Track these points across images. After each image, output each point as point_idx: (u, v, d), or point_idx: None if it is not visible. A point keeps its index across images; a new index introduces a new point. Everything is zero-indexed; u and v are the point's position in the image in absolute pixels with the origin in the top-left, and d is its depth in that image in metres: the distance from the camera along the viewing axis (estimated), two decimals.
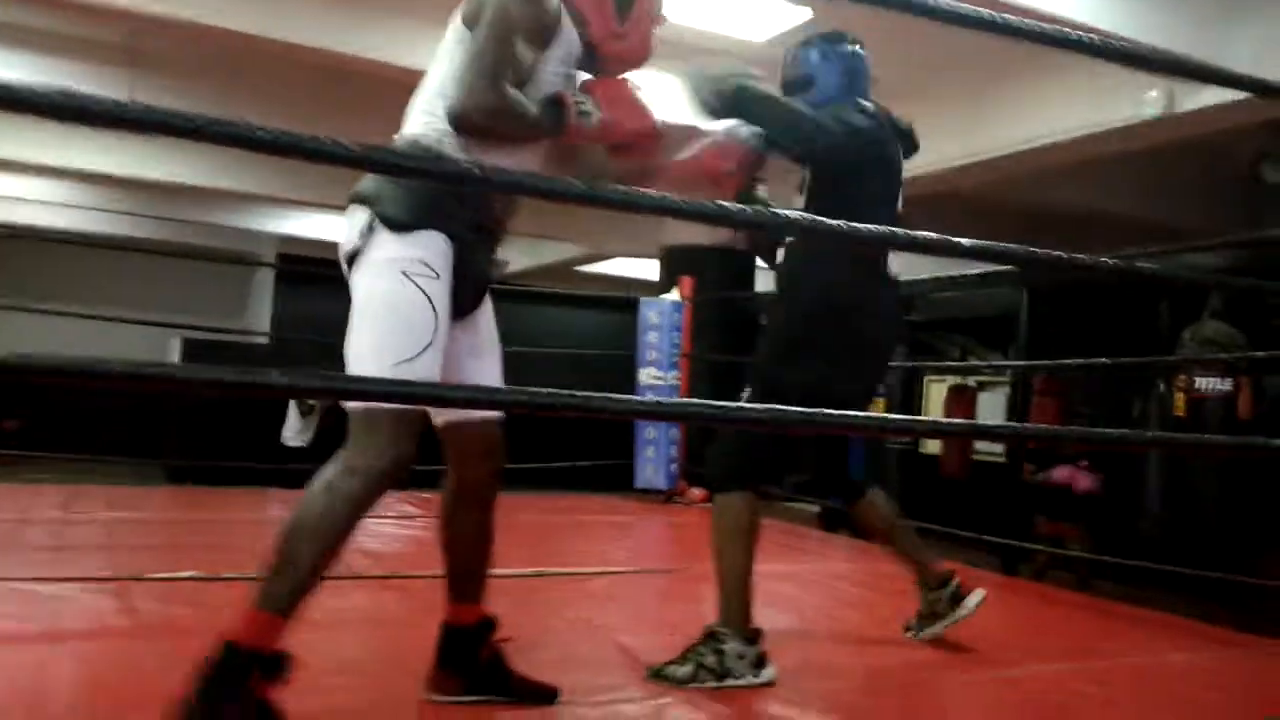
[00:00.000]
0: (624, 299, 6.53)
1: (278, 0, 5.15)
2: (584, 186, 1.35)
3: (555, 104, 1.88)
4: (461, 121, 1.79)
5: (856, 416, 1.56)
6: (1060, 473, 6.05)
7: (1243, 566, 4.20)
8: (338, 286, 1.88)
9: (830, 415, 1.49)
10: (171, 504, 4.94)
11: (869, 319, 2.49)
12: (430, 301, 1.77)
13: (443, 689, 1.98)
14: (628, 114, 1.93)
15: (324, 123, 5.62)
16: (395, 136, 1.92)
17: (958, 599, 2.71)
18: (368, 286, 1.78)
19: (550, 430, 5.67)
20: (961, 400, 9.27)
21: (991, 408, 9.36)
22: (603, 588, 3.41)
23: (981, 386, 9.67)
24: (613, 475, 5.96)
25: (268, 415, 9.11)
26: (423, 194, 1.79)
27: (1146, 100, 4.73)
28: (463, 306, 1.89)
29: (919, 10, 1.59)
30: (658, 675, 2.29)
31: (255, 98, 6.80)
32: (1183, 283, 2.43)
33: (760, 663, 2.32)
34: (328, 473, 1.73)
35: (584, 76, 2.00)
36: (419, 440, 1.79)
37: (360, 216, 1.81)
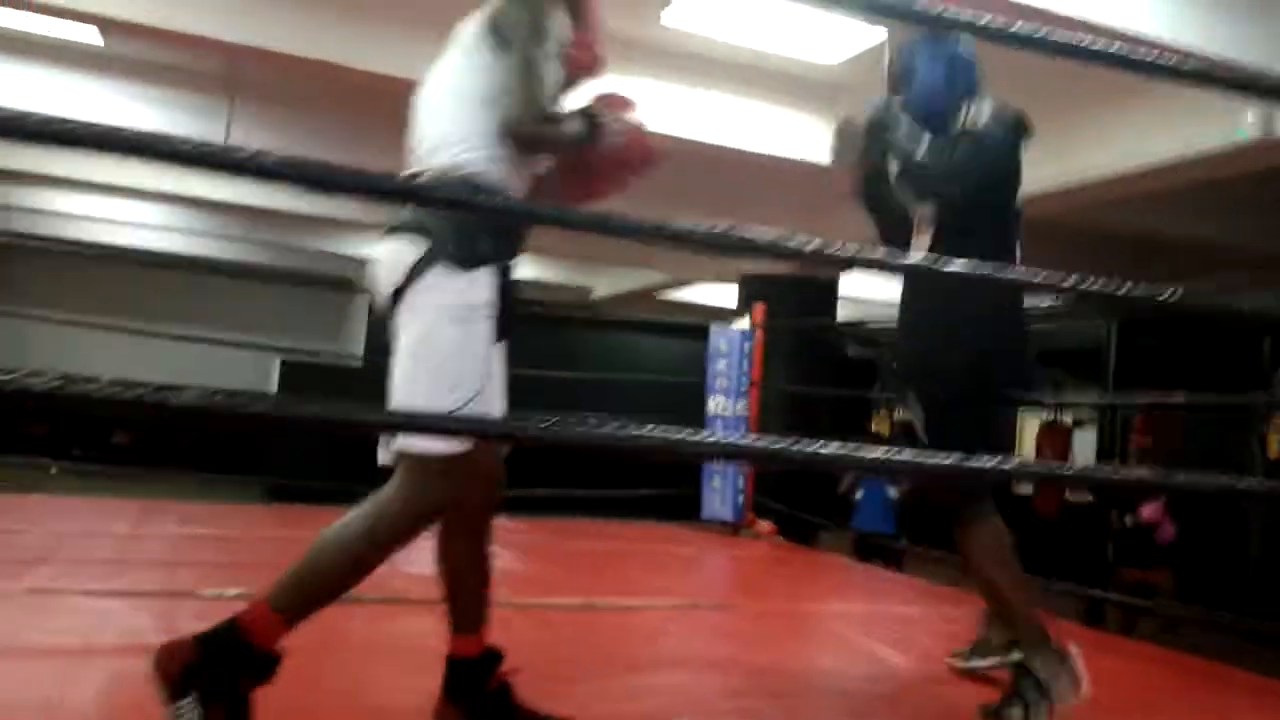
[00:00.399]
0: (697, 326, 6.46)
1: (373, 33, 5.26)
2: (691, 227, 1.31)
3: (588, 117, 1.87)
4: (515, 132, 1.79)
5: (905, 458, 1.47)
6: (1148, 510, 5.71)
7: None
8: None
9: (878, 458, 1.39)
10: (247, 521, 5.02)
11: (1013, 353, 2.51)
12: (485, 348, 1.78)
13: None
14: (641, 139, 1.93)
15: None
16: (420, 159, 1.89)
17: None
18: (426, 328, 1.77)
19: (615, 456, 5.61)
20: (1054, 437, 8.92)
21: (1086, 445, 8.98)
22: (653, 622, 3.33)
23: (1077, 424, 9.30)
24: (679, 504, 5.88)
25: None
26: (478, 228, 1.78)
27: (1242, 124, 4.49)
28: (503, 335, 1.88)
29: (998, 38, 1.52)
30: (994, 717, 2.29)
31: (351, 128, 6.96)
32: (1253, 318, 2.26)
33: (1076, 677, 2.28)
34: (376, 501, 1.77)
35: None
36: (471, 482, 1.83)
37: (411, 247, 1.78)
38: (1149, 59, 1.61)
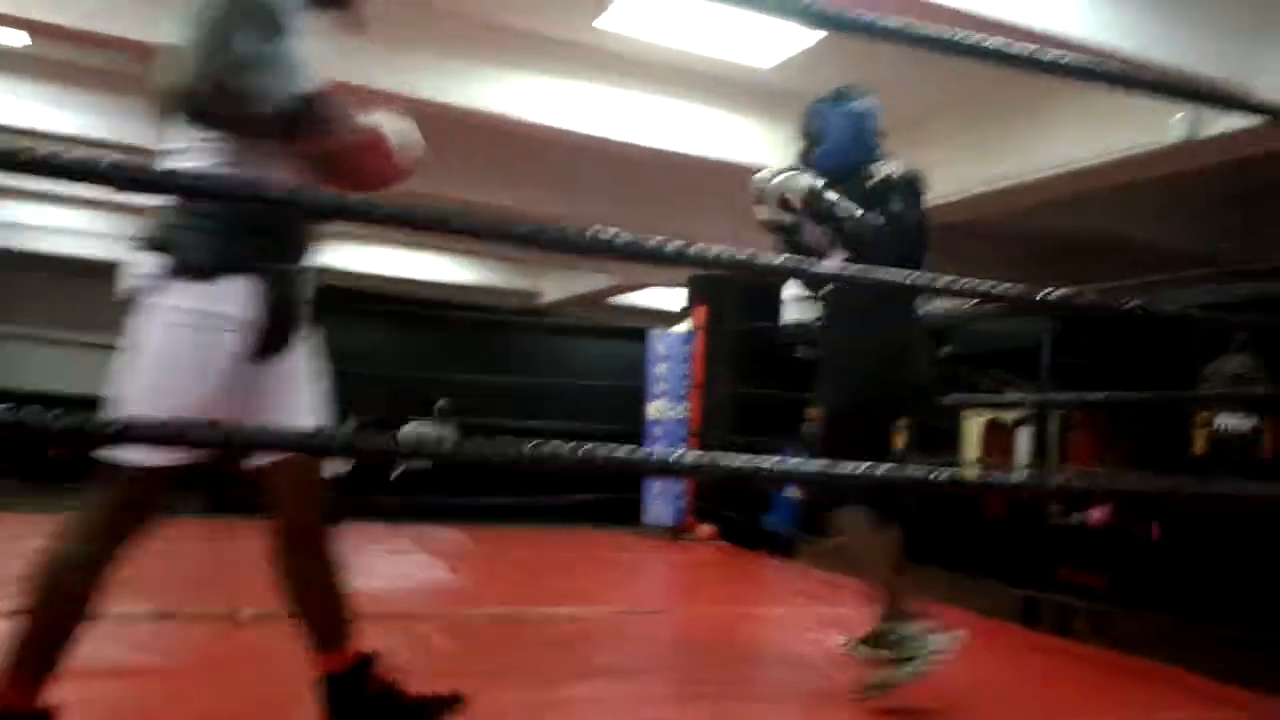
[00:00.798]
0: (637, 330, 6.44)
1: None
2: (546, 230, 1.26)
3: (309, 101, 1.68)
4: (183, 100, 1.62)
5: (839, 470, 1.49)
6: (1098, 513, 5.75)
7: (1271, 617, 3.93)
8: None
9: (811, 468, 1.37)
10: (182, 535, 4.86)
11: (913, 364, 2.76)
12: (219, 359, 1.67)
13: None
14: (379, 144, 1.80)
15: None
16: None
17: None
18: (155, 332, 1.65)
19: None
20: (998, 436, 9.02)
21: (1030, 442, 9.08)
22: (583, 630, 3.29)
23: (1020, 422, 9.39)
24: (622, 509, 5.84)
25: None
26: (222, 236, 1.66)
27: (1171, 124, 4.54)
28: (274, 342, 1.77)
29: (932, 44, 1.54)
30: (877, 687, 2.48)
31: None
32: (1165, 318, 2.29)
33: (934, 631, 2.51)
34: (74, 522, 1.65)
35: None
36: (167, 494, 1.71)
37: (151, 260, 1.66)
38: (1082, 65, 1.64)
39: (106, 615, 2.76)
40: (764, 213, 2.77)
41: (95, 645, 1.70)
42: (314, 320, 1.88)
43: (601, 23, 5.02)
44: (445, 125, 6.28)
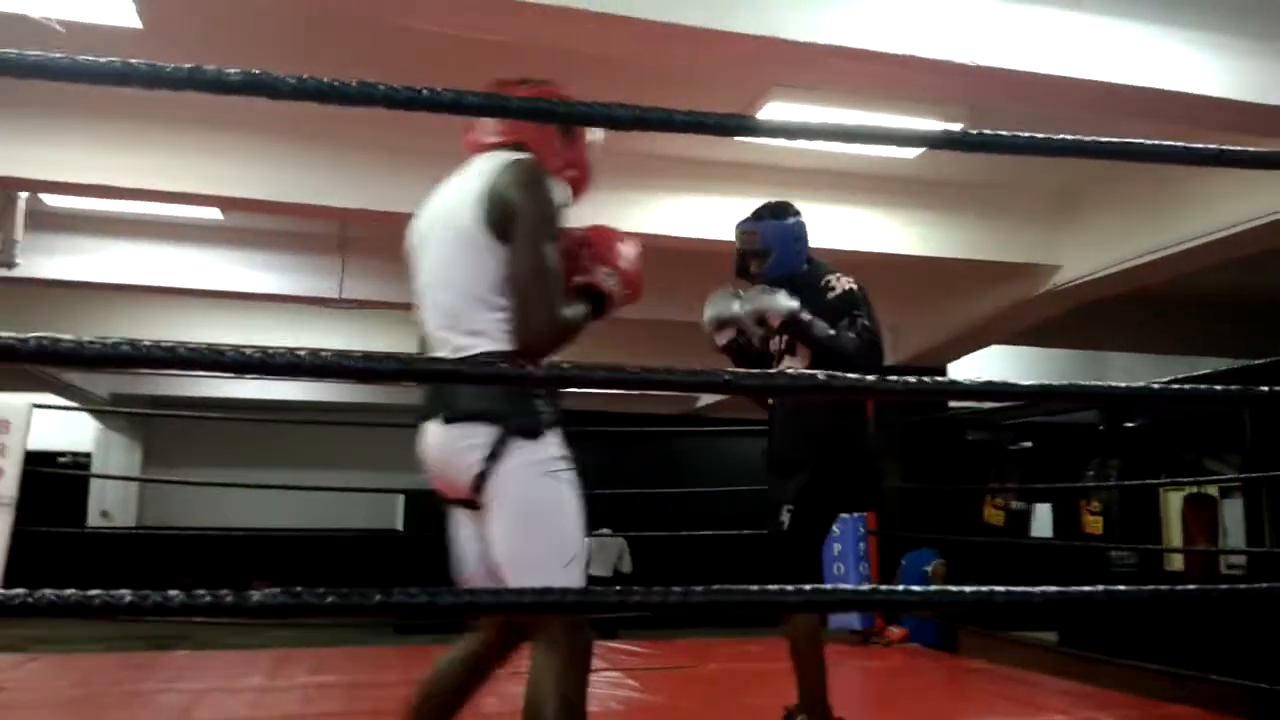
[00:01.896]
0: None
1: None
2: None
3: (589, 290, 1.97)
4: (537, 347, 1.82)
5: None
6: None
7: None
8: None
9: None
10: (375, 665, 5.00)
11: (873, 466, 3.10)
12: (576, 495, 1.87)
13: None
14: (634, 273, 2.03)
15: None
16: (446, 329, 1.92)
17: None
18: (522, 494, 1.83)
19: (732, 564, 5.52)
20: (1201, 510, 8.42)
21: (1238, 517, 8.42)
22: None
23: (1224, 494, 8.75)
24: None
25: None
26: (539, 401, 1.87)
27: None
28: None
29: (1062, 150, 1.52)
30: None
31: None
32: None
33: None
34: (540, 662, 1.82)
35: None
36: None
37: (481, 433, 1.82)
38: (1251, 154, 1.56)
39: None
40: (722, 340, 3.00)
41: None
42: None
43: (743, 137, 5.18)
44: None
